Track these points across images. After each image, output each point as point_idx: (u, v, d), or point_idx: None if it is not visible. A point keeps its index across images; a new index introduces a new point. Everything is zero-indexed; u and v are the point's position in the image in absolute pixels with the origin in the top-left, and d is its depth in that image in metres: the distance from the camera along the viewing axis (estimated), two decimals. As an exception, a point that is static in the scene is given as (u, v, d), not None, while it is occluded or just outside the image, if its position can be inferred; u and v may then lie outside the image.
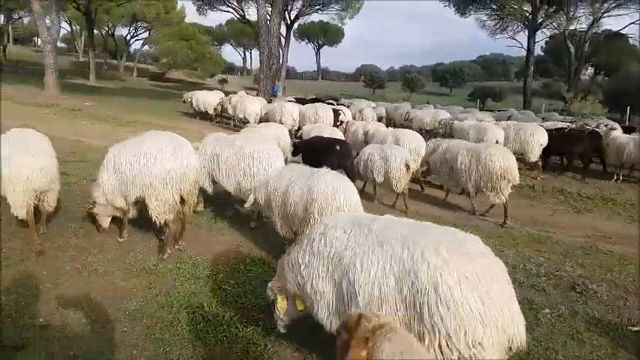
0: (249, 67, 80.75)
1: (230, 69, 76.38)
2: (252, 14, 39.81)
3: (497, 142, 11.59)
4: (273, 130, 10.03)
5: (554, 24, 35.49)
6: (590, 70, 55.69)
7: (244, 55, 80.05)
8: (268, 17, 27.11)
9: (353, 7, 42.55)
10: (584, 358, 3.92)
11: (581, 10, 33.79)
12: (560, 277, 5.57)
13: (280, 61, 34.95)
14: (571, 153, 12.86)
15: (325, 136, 10.05)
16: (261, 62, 27.96)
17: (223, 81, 53.39)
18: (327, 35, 67.71)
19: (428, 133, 15.28)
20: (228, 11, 42.47)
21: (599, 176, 12.71)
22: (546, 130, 12.38)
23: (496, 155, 7.99)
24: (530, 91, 35.13)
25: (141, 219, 5.85)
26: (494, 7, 36.03)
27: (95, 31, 43.89)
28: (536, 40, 35.17)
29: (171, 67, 50.74)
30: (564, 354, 3.94)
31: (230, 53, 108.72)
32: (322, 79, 79.04)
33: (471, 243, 2.85)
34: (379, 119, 18.20)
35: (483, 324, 2.56)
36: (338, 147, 8.76)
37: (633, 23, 33.13)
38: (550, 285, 5.35)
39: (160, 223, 5.38)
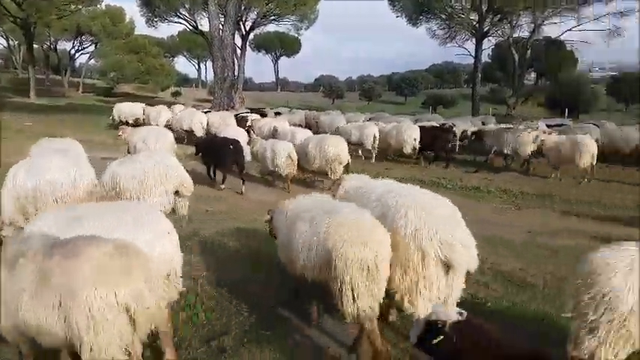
0: (204, 79, 79.78)
1: (184, 81, 75.13)
2: (204, 25, 39.40)
3: (374, 137, 15.43)
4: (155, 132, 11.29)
5: (499, 32, 37.02)
6: (533, 76, 58.57)
7: (199, 66, 79.09)
8: (221, 27, 26.90)
9: (308, 17, 42.92)
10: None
11: (523, 19, 35.57)
12: (503, 272, 5.78)
13: (236, 72, 34.73)
14: (434, 147, 15.29)
15: (228, 136, 11.87)
16: (214, 74, 27.66)
17: (177, 94, 52.34)
18: (284, 46, 67.88)
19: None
20: (180, 22, 41.81)
21: (538, 174, 13.38)
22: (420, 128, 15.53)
23: (331, 143, 10.79)
24: (478, 97, 36.48)
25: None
26: (443, 17, 37.28)
27: (35, 45, 41.94)
28: (483, 47, 36.63)
29: (120, 81, 49.16)
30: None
31: (184, 65, 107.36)
32: (281, 90, 79.08)
33: None
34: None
35: None
36: (232, 146, 10.48)
37: (570, 30, 35.07)
38: (493, 280, 5.54)
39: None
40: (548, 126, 17.26)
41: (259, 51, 69.89)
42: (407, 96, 62.33)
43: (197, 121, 17.73)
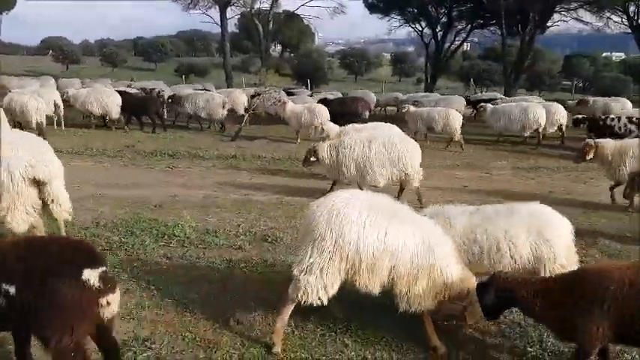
0: None
1: None
2: None
3: (54, 104, 14.81)
4: None
5: (241, 1, 37.83)
6: (279, 47, 63.13)
7: None
8: None
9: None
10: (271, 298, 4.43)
11: (261, -10, 37.19)
12: (255, 233, 6.19)
13: None
14: (138, 113, 15.81)
15: None
16: None
17: None
18: (-9, -1, 54.48)
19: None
20: None
21: (291, 140, 14.60)
22: (124, 93, 16.15)
23: None
24: (230, 67, 37.19)
25: None
26: (181, -21, 35.93)
27: None
28: (228, 16, 37.04)
29: None
30: (256, 301, 4.38)
31: None
32: (-3, 53, 63.79)
33: None
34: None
35: None
36: None
37: (304, 5, 38.52)
38: (246, 241, 5.88)
39: None
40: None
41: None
42: (157, 62, 59.21)
43: None
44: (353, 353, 3.63)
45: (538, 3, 29.70)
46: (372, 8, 38.87)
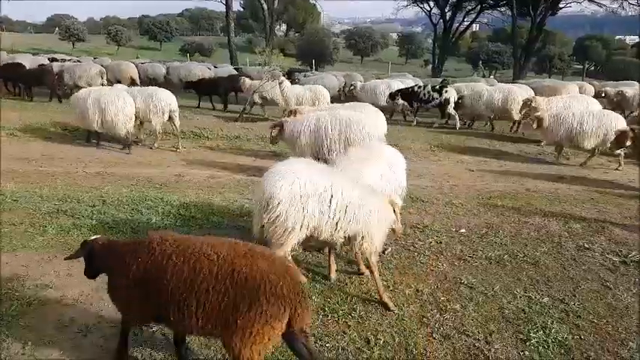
0: None
1: None
2: None
3: None
4: None
5: (246, -21, 37.42)
6: (284, 27, 62.44)
7: None
8: None
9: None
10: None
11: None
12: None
13: None
14: (33, 84, 16.35)
15: None
16: None
17: None
18: (-6, -25, 54.16)
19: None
20: None
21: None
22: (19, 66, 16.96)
23: None
24: (235, 46, 36.83)
25: None
26: (187, -43, 35.49)
27: None
28: (233, -6, 36.51)
29: None
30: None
31: None
32: (3, 30, 63.57)
33: None
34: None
35: None
36: None
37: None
38: (250, 222, 5.86)
39: None
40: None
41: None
42: (162, 41, 58.84)
43: None
44: (355, 334, 3.64)
45: (550, -17, 28.97)
46: (379, -13, 38.16)
